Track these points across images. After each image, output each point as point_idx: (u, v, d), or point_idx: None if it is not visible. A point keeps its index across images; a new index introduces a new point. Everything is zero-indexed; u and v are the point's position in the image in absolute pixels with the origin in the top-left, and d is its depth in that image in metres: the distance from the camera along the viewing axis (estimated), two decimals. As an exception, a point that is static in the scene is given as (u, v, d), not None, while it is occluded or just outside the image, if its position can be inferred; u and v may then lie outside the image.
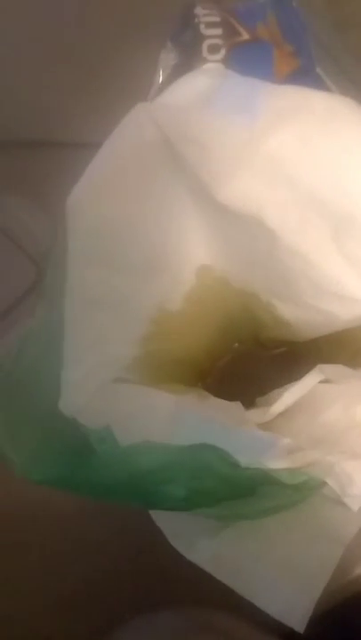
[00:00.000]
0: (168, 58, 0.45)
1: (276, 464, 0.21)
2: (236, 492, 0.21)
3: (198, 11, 0.43)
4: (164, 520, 0.26)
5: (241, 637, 0.24)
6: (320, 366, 0.24)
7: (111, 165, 0.24)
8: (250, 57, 0.43)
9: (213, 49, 0.42)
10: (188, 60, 0.43)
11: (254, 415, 0.26)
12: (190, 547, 0.25)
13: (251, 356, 0.34)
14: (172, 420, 0.24)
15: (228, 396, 0.29)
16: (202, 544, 0.25)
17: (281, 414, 0.25)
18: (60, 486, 0.20)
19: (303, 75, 0.44)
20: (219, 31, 0.43)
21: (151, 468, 0.19)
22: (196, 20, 0.43)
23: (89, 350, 0.25)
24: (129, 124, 0.24)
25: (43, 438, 0.22)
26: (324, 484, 0.22)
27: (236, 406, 0.27)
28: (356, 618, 0.35)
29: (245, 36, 0.44)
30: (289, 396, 0.24)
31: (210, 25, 0.43)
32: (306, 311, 0.28)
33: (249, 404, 0.28)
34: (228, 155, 0.24)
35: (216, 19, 0.43)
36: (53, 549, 0.31)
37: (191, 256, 0.28)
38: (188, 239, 0.28)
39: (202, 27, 0.43)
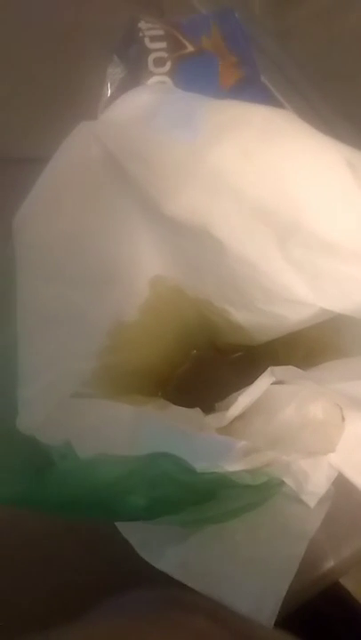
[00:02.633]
0: (115, 72, 0.46)
1: (233, 466, 0.21)
2: (197, 496, 0.21)
3: (142, 25, 0.44)
4: (130, 531, 0.26)
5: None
6: (271, 368, 0.25)
7: (57, 183, 0.25)
8: (195, 69, 0.44)
9: (159, 62, 0.43)
10: (135, 73, 0.44)
11: (213, 420, 0.26)
12: (158, 556, 0.26)
13: (209, 362, 0.35)
14: (132, 432, 0.24)
15: (189, 402, 0.29)
16: (169, 552, 0.26)
17: (239, 417, 0.26)
18: (20, 505, 0.20)
19: (248, 84, 0.45)
20: (163, 44, 0.43)
21: (110, 479, 0.19)
22: (141, 35, 0.43)
23: (45, 366, 0.25)
24: (73, 142, 0.24)
25: (0, 457, 0.22)
26: (283, 483, 0.23)
27: (196, 412, 0.27)
28: (328, 610, 0.37)
29: (190, 48, 0.44)
30: (243, 399, 0.24)
31: (154, 39, 0.44)
32: (258, 316, 0.28)
33: (210, 409, 0.29)
34: (173, 169, 0.24)
35: (160, 32, 0.44)
36: (22, 569, 0.31)
37: (144, 267, 0.29)
38: (139, 251, 0.28)
39: (147, 40, 0.43)
